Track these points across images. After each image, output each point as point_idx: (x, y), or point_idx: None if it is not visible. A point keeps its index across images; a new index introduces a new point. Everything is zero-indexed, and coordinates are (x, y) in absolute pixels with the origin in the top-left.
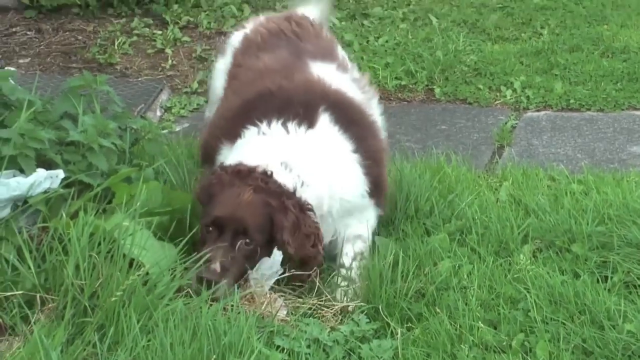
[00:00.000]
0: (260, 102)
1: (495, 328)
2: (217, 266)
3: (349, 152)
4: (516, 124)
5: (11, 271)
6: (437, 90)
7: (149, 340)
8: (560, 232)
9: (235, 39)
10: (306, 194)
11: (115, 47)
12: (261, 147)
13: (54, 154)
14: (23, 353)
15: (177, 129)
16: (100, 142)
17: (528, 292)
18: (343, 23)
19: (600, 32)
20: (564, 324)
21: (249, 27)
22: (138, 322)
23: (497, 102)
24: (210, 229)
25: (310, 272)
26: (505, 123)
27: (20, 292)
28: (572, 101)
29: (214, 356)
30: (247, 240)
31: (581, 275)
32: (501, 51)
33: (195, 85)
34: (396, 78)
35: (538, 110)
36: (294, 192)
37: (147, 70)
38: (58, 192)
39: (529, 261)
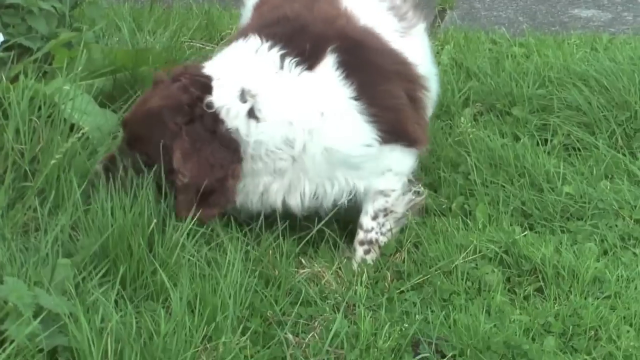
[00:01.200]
0: (274, 26)
1: (435, 191)
2: (99, 168)
3: (346, 98)
4: None
5: None
6: None
7: (89, 205)
8: (501, 95)
9: None
10: (257, 134)
11: None
12: (239, 61)
13: None
14: None
15: None
16: (39, 5)
17: (468, 155)
18: None
19: None
20: (503, 186)
21: None
22: (79, 186)
23: None
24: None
25: (215, 211)
26: None
27: None
28: None
29: (155, 220)
30: (133, 149)
31: (521, 138)
32: None
33: None
34: None
35: None
36: (214, 116)
37: None
38: None
39: (469, 124)
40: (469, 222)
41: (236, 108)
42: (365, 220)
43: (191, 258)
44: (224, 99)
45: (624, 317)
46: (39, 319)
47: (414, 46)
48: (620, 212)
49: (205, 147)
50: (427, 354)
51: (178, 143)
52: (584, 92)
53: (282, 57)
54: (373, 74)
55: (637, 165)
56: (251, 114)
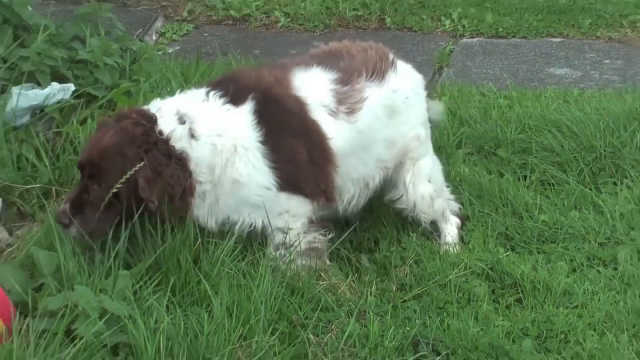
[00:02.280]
0: (225, 77)
1: None
2: (66, 207)
3: (254, 140)
4: (453, 48)
5: (31, 168)
6: (387, 20)
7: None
8: (489, 138)
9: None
10: (197, 150)
11: None
12: (176, 100)
13: (66, 70)
14: (40, 234)
15: (170, 51)
16: (104, 61)
17: (463, 189)
18: None
19: None
20: (489, 214)
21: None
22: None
23: (438, 30)
24: (79, 171)
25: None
26: (445, 48)
27: (39, 185)
28: (500, 30)
29: (199, 239)
30: (98, 185)
31: (505, 175)
32: None
33: (185, 14)
34: (354, 9)
35: (472, 37)
36: (166, 140)
37: (144, 1)
38: (69, 103)
39: (462, 163)
40: (469, 246)
41: (179, 131)
42: (268, 251)
43: (229, 271)
44: (168, 125)
45: (589, 324)
46: (103, 320)
47: (344, 127)
48: (587, 237)
49: (165, 170)
50: (425, 353)
51: (140, 172)
52: (558, 137)
53: (207, 93)
54: (281, 127)
55: (601, 199)
56: (191, 133)
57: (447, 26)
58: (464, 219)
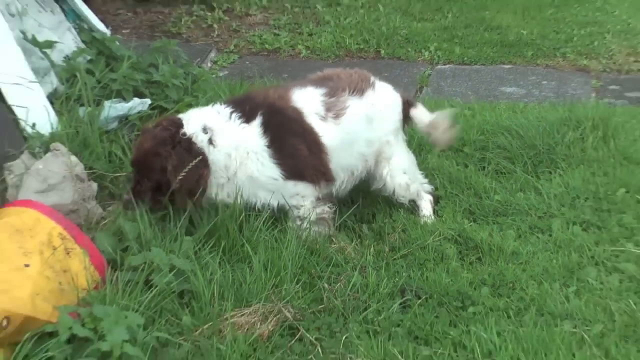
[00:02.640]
0: (244, 97)
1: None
2: (129, 197)
3: (262, 145)
4: (431, 73)
5: (118, 161)
6: (382, 52)
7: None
8: (457, 139)
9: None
10: (214, 154)
11: (182, 22)
12: (202, 113)
13: (144, 89)
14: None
15: (221, 74)
16: (172, 82)
17: (437, 176)
18: (324, 9)
19: (484, 16)
20: (458, 195)
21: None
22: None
23: (420, 59)
24: (132, 171)
25: (192, 201)
26: (424, 72)
27: (124, 173)
28: (465, 59)
29: (243, 213)
30: (146, 179)
31: (469, 166)
32: (422, 27)
33: (232, 47)
34: (357, 44)
35: (444, 64)
36: (191, 143)
37: (202, 38)
38: (147, 113)
39: (437, 157)
40: (442, 220)
41: (201, 137)
42: (290, 223)
43: (265, 237)
44: (192, 130)
45: (531, 276)
46: (172, 273)
47: (332, 129)
48: (529, 212)
49: (186, 159)
50: (410, 297)
51: (169, 162)
52: (508, 138)
53: (230, 114)
54: (284, 132)
55: (540, 183)
56: (210, 142)
57: (426, 56)
58: (436, 197)
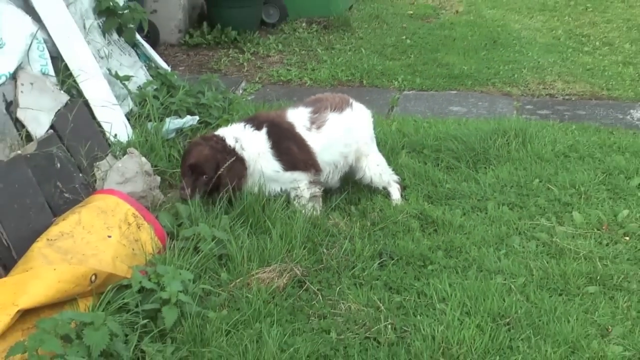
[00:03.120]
0: (254, 117)
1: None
2: (188, 191)
3: (268, 148)
4: (399, 97)
5: (175, 160)
6: (364, 81)
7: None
8: (418, 144)
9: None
10: (244, 154)
11: (221, 62)
12: (231, 129)
13: (194, 109)
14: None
15: (249, 98)
16: (214, 103)
17: (404, 171)
18: (323, 51)
19: (436, 56)
20: (420, 184)
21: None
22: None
23: (391, 87)
24: (187, 171)
25: (236, 193)
26: (395, 96)
27: (178, 169)
28: (424, 86)
29: (265, 198)
30: (204, 176)
31: (427, 163)
32: (392, 64)
33: (257, 79)
34: (346, 76)
35: (409, 91)
36: (234, 150)
37: (235, 73)
38: (196, 126)
39: (405, 157)
40: (409, 204)
41: (237, 146)
42: (291, 201)
43: (281, 215)
44: (231, 142)
45: (473, 242)
46: (213, 242)
47: (315, 136)
48: (471, 196)
49: (234, 166)
50: (386, 259)
51: (225, 166)
52: (455, 143)
53: (244, 126)
54: (280, 138)
55: (478, 176)
56: (242, 147)
57: (396, 85)
58: (403, 186)
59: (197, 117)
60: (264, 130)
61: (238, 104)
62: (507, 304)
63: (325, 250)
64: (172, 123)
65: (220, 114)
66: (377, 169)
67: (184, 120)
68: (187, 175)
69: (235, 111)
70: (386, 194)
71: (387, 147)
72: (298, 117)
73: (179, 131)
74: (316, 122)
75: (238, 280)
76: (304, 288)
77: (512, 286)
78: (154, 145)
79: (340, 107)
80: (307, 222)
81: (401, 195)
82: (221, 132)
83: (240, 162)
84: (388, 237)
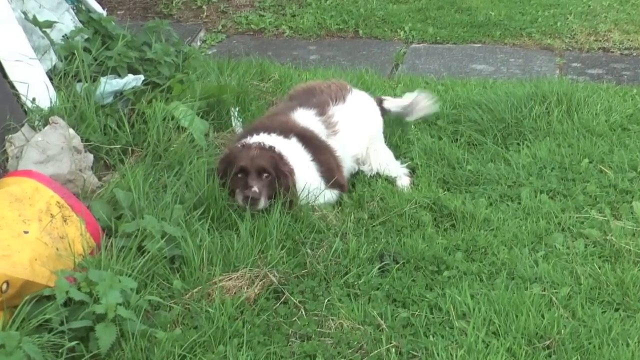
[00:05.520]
0: (262, 124)
1: None
2: (256, 189)
3: (308, 160)
4: (406, 51)
5: (113, 133)
6: (360, 31)
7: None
8: (431, 113)
9: (292, 89)
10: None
11: (173, 4)
12: (267, 138)
13: (138, 66)
14: (119, 180)
15: (209, 52)
16: (164, 59)
17: (413, 151)
18: None
19: None
20: (432, 166)
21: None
22: (190, 162)
23: (396, 38)
24: (239, 175)
25: (292, 198)
26: (400, 51)
27: (119, 146)
28: (438, 38)
29: None
30: (266, 174)
31: (443, 138)
32: (397, 9)
33: (219, 27)
34: (336, 24)
35: (419, 43)
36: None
37: (192, 19)
38: (140, 88)
39: (414, 131)
40: (417, 190)
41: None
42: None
43: None
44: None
45: (501, 241)
46: (164, 240)
47: (335, 143)
48: (499, 181)
49: (291, 172)
50: (388, 262)
51: (288, 170)
52: (479, 112)
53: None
54: (318, 150)
55: (509, 155)
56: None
57: (402, 36)
58: (412, 168)
59: (141, 77)
60: (294, 138)
61: (195, 59)
62: (546, 322)
63: (309, 251)
64: (109, 84)
65: (172, 72)
66: (384, 160)
67: (125, 80)
68: (242, 179)
69: (191, 69)
70: (390, 179)
71: (390, 117)
72: (306, 120)
73: (118, 95)
74: (329, 127)
75: (196, 289)
76: (282, 300)
77: (554, 298)
78: (84, 113)
79: (341, 96)
80: (286, 214)
81: (411, 182)
82: (268, 141)
83: (292, 170)
84: (391, 234)
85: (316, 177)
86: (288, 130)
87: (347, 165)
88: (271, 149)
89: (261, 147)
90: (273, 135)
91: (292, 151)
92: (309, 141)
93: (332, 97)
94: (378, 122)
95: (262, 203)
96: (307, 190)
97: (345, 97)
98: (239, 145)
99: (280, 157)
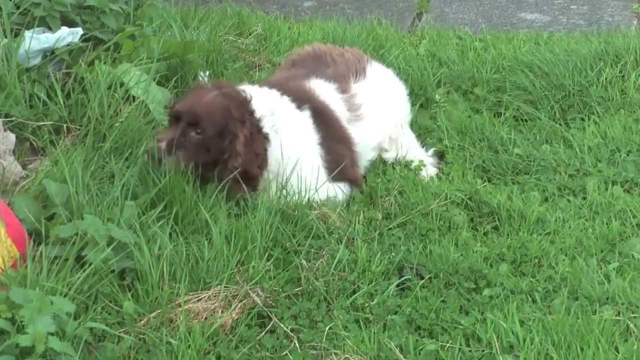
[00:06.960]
0: (277, 81)
1: None
2: (162, 144)
3: (315, 142)
4: None
5: (42, 106)
6: None
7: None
8: (466, 78)
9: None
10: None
11: None
12: (266, 93)
13: (74, 15)
14: (51, 167)
15: None
16: (110, 6)
17: (440, 129)
18: None
19: None
20: (468, 148)
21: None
22: (139, 140)
23: None
24: (171, 120)
25: (250, 189)
26: None
27: (50, 122)
28: None
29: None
30: (197, 131)
31: (482, 112)
32: None
33: None
34: None
35: None
36: (259, 117)
37: None
38: (78, 46)
39: (442, 103)
40: (448, 178)
41: (268, 120)
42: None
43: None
44: (260, 110)
45: (561, 249)
46: (110, 247)
47: (357, 132)
48: (558, 169)
49: (256, 139)
50: (410, 277)
51: (243, 130)
52: (529, 76)
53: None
54: (332, 135)
55: (570, 133)
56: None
57: None
58: (440, 169)
59: (79, 31)
60: (307, 112)
61: (152, 6)
62: (621, 356)
63: (304, 263)
64: (37, 40)
65: (121, 24)
66: (409, 144)
67: (57, 35)
68: (169, 127)
69: (146, 19)
70: (412, 166)
71: (410, 84)
72: (327, 95)
73: (49, 54)
74: (352, 109)
75: (153, 314)
76: (269, 328)
77: (631, 325)
78: (3, 78)
79: (361, 69)
80: (274, 213)
81: (439, 172)
82: (247, 89)
83: (265, 138)
84: (413, 240)
85: (316, 163)
86: (304, 99)
87: (366, 158)
88: (237, 95)
89: (224, 92)
90: (285, 97)
91: (299, 125)
92: (325, 122)
93: (351, 69)
94: (406, 105)
95: (169, 165)
96: (299, 179)
97: (366, 71)
98: (204, 84)
99: (244, 109)
